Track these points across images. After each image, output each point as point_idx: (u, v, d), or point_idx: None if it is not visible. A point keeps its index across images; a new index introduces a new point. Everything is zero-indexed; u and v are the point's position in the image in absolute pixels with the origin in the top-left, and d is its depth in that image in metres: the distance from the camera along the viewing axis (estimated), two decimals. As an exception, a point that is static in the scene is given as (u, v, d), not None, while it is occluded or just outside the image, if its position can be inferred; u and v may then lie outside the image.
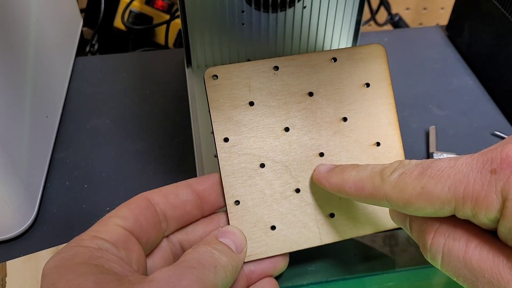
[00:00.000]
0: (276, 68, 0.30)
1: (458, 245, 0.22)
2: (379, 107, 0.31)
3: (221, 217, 0.30)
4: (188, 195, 0.28)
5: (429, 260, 0.24)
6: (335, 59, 0.31)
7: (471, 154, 0.22)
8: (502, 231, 0.20)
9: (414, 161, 0.24)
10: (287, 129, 0.30)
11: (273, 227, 0.29)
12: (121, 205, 0.27)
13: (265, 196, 0.29)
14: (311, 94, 0.30)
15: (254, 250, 0.29)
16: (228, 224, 0.29)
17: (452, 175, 0.21)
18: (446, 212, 0.22)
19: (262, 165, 0.29)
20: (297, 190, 0.30)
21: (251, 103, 0.30)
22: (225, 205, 0.29)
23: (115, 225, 0.25)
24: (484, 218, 0.21)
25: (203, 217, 0.30)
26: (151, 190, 0.28)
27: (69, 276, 0.21)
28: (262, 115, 0.30)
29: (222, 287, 0.25)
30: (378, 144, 0.31)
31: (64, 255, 0.23)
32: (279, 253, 0.29)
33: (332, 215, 0.30)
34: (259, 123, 0.30)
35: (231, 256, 0.26)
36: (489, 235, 0.22)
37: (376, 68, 0.31)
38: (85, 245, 0.23)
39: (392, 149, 0.31)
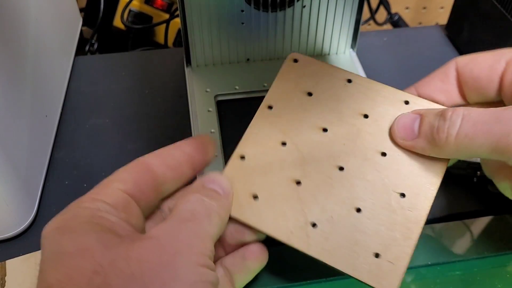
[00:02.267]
0: (349, 81, 0.32)
1: None
2: (427, 162, 0.29)
3: None
4: (182, 156, 0.28)
5: (445, 132, 0.27)
6: (407, 102, 0.31)
7: None
8: None
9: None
10: (325, 130, 0.30)
11: (256, 197, 0.28)
12: (120, 169, 0.27)
13: (270, 169, 0.29)
14: (366, 116, 0.31)
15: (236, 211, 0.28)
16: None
17: None
18: None
19: (284, 143, 0.30)
20: (298, 183, 0.29)
21: (310, 94, 0.31)
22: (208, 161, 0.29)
23: (115, 189, 0.25)
24: None
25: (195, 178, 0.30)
26: (147, 154, 0.28)
27: (72, 234, 0.22)
28: (311, 108, 0.31)
29: (217, 233, 0.25)
30: (402, 195, 0.29)
31: (65, 216, 0.23)
32: (257, 228, 0.28)
33: (314, 225, 0.28)
34: (304, 112, 0.31)
35: (221, 200, 0.27)
36: None
37: None
38: (85, 206, 0.24)
39: (414, 209, 0.28)
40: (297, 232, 0.28)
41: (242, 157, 0.30)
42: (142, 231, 0.26)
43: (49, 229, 0.23)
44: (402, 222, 0.28)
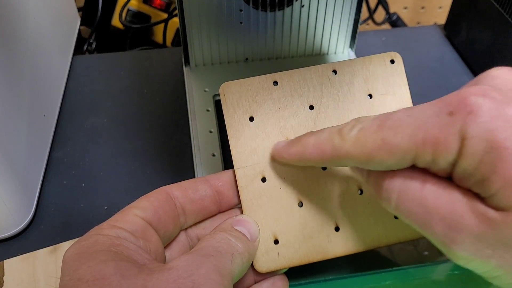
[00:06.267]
0: (276, 83, 0.30)
1: (415, 184, 0.22)
2: None
3: (237, 213, 0.30)
4: (207, 190, 0.29)
5: (382, 201, 0.24)
6: (335, 72, 0.30)
7: (428, 102, 0.22)
8: (459, 171, 0.21)
9: (371, 116, 0.24)
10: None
11: (276, 241, 0.29)
12: (141, 197, 0.27)
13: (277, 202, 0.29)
14: (311, 107, 0.30)
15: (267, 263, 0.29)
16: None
17: (411, 123, 0.22)
18: (407, 162, 0.22)
19: (264, 179, 0.29)
20: (300, 204, 0.29)
21: (251, 119, 0.30)
22: (238, 199, 0.29)
23: (134, 216, 0.25)
24: (444, 161, 0.21)
25: (220, 212, 0.30)
26: (171, 185, 0.28)
27: (90, 262, 0.22)
28: (261, 131, 0.29)
29: (238, 274, 0.25)
30: None
31: (85, 243, 0.23)
32: (293, 266, 0.29)
33: (337, 229, 0.29)
34: (263, 133, 0.30)
35: (247, 243, 0.27)
36: (445, 179, 0.22)
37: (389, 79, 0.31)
38: (105, 234, 0.24)
39: None
40: (327, 244, 0.29)
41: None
42: (162, 258, 0.26)
43: (69, 255, 0.23)
44: None
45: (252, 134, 0.29)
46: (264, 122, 0.29)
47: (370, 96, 0.30)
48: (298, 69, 0.30)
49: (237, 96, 0.29)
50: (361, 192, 0.29)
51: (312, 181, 0.29)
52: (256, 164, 0.29)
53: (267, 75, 0.30)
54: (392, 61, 0.31)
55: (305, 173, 0.29)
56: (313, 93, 0.30)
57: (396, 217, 0.29)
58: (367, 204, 0.29)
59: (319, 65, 0.30)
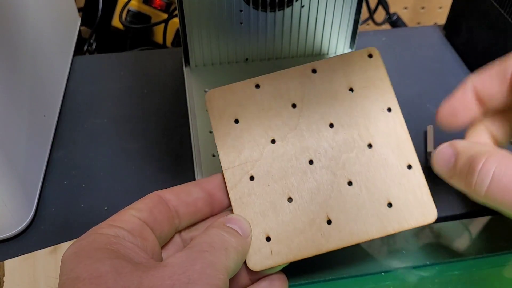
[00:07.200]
0: (258, 86, 0.31)
1: None
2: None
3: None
4: (199, 193, 0.29)
5: (473, 186, 0.25)
6: (314, 71, 0.31)
7: None
8: None
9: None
10: (273, 141, 0.30)
11: (268, 238, 0.29)
12: (136, 201, 0.28)
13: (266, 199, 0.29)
14: (294, 105, 0.31)
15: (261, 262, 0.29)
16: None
17: None
18: None
19: (252, 178, 0.30)
20: (290, 199, 0.29)
21: (236, 121, 0.30)
22: (229, 200, 0.29)
23: (131, 216, 0.26)
24: None
25: (213, 215, 0.30)
26: (163, 189, 0.29)
27: (87, 261, 0.22)
28: (247, 134, 0.30)
29: (233, 268, 0.25)
30: (369, 146, 0.30)
31: (82, 242, 0.24)
32: (287, 262, 0.29)
33: (329, 222, 0.29)
34: (248, 137, 0.30)
35: (240, 238, 0.27)
36: None
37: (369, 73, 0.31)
38: (103, 233, 0.24)
39: (394, 153, 0.30)
40: (320, 238, 0.29)
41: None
42: (159, 258, 0.27)
43: (67, 254, 0.23)
44: (394, 167, 0.30)
45: (238, 135, 0.30)
46: (249, 123, 0.30)
47: (352, 90, 0.31)
48: (279, 71, 0.31)
49: (222, 101, 0.30)
50: (350, 184, 0.29)
51: (300, 176, 0.30)
52: (243, 163, 0.30)
53: (250, 80, 0.31)
54: (370, 56, 0.32)
55: (292, 168, 0.30)
56: (294, 92, 0.31)
57: (389, 206, 0.29)
58: (357, 195, 0.29)
59: (299, 66, 0.31)
